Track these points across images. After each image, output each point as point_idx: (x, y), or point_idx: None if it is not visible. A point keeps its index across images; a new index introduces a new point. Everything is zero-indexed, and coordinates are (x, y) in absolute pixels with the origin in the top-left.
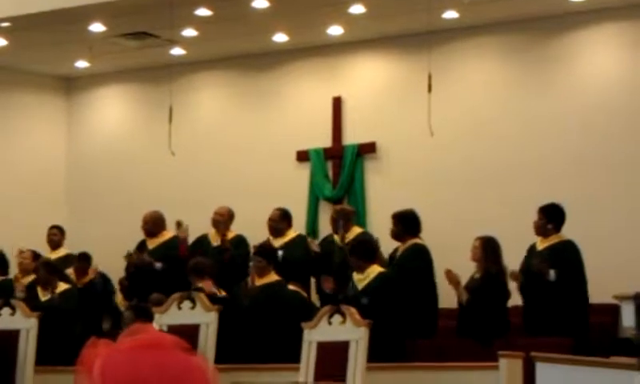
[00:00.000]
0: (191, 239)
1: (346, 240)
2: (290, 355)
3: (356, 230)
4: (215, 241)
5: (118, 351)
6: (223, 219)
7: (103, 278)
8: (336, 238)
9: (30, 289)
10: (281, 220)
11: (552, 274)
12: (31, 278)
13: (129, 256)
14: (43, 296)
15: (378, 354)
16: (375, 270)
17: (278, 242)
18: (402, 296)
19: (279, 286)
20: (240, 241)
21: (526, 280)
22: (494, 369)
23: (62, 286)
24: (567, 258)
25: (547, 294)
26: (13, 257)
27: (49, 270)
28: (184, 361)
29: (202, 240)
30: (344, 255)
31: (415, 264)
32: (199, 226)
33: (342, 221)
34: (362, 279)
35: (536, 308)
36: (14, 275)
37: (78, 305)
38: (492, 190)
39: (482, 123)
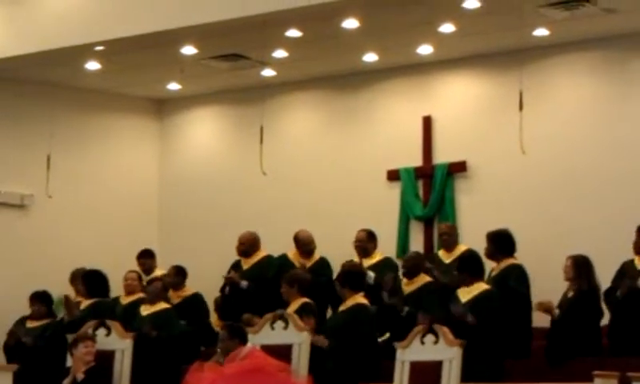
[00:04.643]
0: None
1: (452, 258)
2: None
3: (461, 248)
4: (297, 262)
5: (223, 376)
6: (313, 246)
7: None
8: (441, 254)
9: (127, 310)
10: (368, 240)
11: None
12: (134, 297)
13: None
14: (145, 311)
15: (476, 373)
16: (481, 286)
17: (366, 263)
18: (504, 315)
19: (361, 307)
20: (324, 264)
21: (624, 297)
22: None
23: (162, 305)
24: None
25: None
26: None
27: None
28: None
29: (284, 260)
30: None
31: (518, 285)
32: (290, 246)
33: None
34: (467, 293)
35: (629, 327)
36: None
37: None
38: (585, 207)
39: (575, 140)
